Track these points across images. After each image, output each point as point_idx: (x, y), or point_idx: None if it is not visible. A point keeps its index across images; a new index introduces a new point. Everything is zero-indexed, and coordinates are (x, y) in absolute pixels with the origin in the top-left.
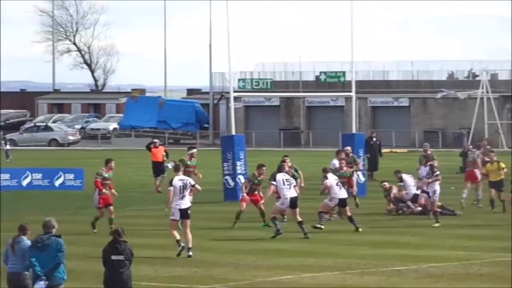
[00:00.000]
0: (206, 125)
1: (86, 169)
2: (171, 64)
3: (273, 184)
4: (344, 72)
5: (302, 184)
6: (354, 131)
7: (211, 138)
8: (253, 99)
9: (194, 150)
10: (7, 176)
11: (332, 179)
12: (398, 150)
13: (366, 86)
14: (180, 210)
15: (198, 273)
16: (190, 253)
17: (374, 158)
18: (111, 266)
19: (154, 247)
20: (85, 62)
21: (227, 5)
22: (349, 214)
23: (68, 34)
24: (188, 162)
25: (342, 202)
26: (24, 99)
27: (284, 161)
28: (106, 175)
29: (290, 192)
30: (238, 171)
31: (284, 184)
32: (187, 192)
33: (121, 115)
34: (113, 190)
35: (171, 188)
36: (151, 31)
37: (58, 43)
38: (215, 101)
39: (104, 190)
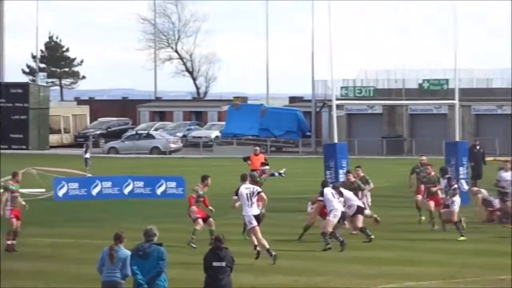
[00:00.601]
0: (308, 133)
1: (187, 177)
2: (273, 72)
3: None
4: (447, 80)
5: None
6: (457, 139)
7: (313, 146)
8: (355, 106)
9: (209, 180)
10: (109, 184)
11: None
12: (501, 158)
13: (469, 94)
14: (254, 216)
15: (300, 282)
16: (273, 253)
17: (477, 166)
18: (212, 273)
19: (253, 255)
20: (187, 70)
21: (329, 13)
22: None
23: (170, 42)
24: (201, 192)
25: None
26: (126, 107)
27: (349, 171)
28: (201, 192)
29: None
30: (341, 179)
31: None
32: (254, 199)
33: (223, 123)
34: (210, 207)
35: (235, 197)
36: (253, 39)
37: (160, 51)
38: (317, 109)
39: (193, 207)
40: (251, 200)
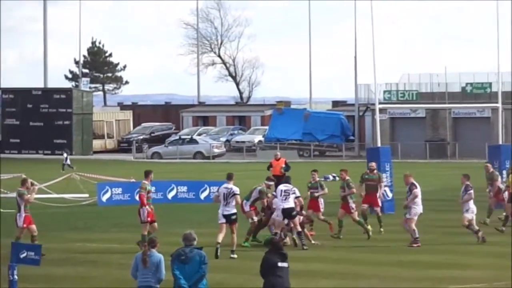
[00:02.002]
0: (351, 137)
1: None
2: (316, 76)
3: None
4: (490, 83)
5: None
6: (500, 142)
7: (356, 150)
8: (398, 110)
9: (152, 175)
10: (152, 189)
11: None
12: None
13: None
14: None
15: (343, 285)
16: (234, 255)
17: None
18: (278, 273)
19: (297, 259)
20: (230, 75)
21: (371, 18)
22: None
23: (213, 46)
24: (149, 187)
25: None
26: (169, 112)
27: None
28: (149, 188)
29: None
30: (384, 183)
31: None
32: (230, 200)
33: (266, 127)
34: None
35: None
36: (296, 43)
37: (203, 56)
38: (361, 113)
39: (146, 208)
40: (227, 200)
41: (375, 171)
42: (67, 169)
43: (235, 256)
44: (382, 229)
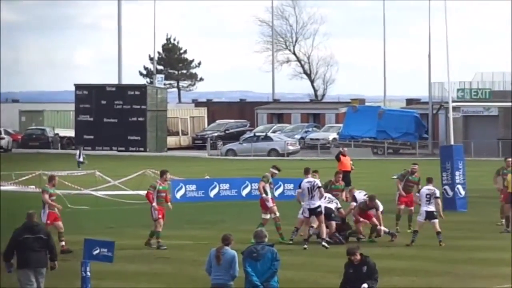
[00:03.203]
0: (425, 135)
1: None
2: (391, 74)
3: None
4: None
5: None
6: None
7: (430, 148)
8: (472, 108)
9: (168, 174)
10: (226, 186)
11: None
12: None
13: None
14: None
15: (416, 283)
16: (326, 245)
17: None
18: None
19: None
20: (305, 72)
21: (445, 17)
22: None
23: (288, 44)
24: (160, 187)
25: None
26: (244, 109)
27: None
28: (161, 187)
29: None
30: (457, 181)
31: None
32: (315, 193)
33: (340, 125)
34: (169, 204)
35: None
36: (371, 41)
37: (278, 53)
38: (434, 111)
39: (154, 205)
40: (311, 193)
41: (416, 174)
42: (82, 166)
43: (327, 245)
44: (398, 229)
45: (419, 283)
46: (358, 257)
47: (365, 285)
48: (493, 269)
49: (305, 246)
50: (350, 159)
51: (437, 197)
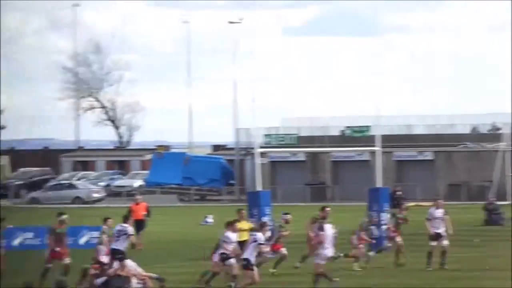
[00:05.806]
0: (232, 181)
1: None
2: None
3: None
4: (368, 127)
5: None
6: (379, 185)
7: (237, 194)
8: (279, 154)
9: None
10: (30, 235)
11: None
12: (423, 203)
13: (391, 140)
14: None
15: None
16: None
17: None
18: None
19: None
20: (109, 119)
21: (252, 61)
22: None
23: (92, 91)
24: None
25: None
26: (48, 156)
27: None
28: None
29: None
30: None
31: None
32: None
33: (146, 171)
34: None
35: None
36: (176, 87)
37: (82, 100)
38: (241, 157)
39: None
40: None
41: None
42: None
43: None
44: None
45: None
46: None
47: None
48: None
49: None
50: (146, 206)
51: (261, 244)
